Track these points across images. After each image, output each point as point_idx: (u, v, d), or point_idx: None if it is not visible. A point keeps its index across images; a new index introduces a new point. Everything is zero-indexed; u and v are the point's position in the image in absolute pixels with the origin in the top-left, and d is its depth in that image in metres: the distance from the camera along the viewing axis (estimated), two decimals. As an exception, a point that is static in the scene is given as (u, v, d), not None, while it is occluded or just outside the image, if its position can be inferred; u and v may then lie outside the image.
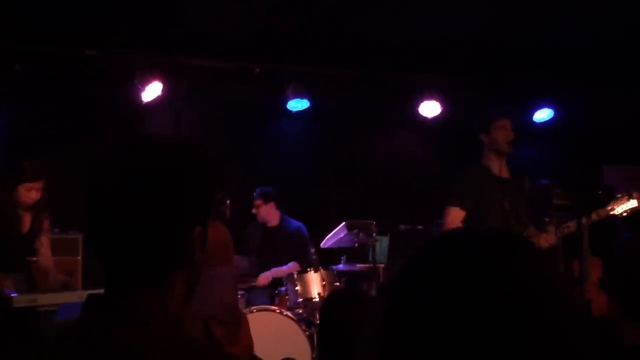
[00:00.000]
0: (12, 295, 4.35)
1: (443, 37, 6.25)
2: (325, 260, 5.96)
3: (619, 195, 4.40)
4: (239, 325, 1.54)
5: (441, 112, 7.22)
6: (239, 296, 5.01)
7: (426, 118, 7.27)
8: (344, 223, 5.69)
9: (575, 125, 7.39)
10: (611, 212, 4.39)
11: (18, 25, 5.80)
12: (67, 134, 6.28)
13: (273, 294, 5.80)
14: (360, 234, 5.65)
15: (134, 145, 1.22)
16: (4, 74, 6.03)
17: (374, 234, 5.64)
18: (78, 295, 4.42)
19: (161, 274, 1.18)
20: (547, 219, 4.37)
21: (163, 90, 6.42)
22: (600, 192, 4.62)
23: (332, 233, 5.86)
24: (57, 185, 4.96)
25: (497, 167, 4.50)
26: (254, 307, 5.19)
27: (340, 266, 5.86)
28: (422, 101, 7.21)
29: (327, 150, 7.35)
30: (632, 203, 4.37)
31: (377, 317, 0.85)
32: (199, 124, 6.98)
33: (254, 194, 6.19)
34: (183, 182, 1.18)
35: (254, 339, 1.79)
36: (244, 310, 4.77)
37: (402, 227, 6.53)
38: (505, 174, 4.53)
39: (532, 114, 7.46)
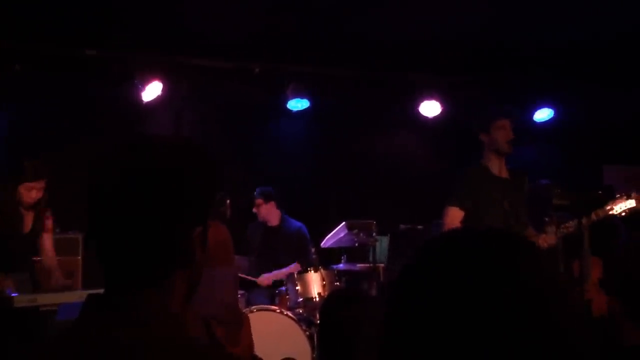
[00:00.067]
0: (13, 295, 4.36)
1: (443, 37, 6.25)
2: (325, 260, 5.96)
3: (617, 195, 4.42)
4: (240, 326, 1.54)
5: (441, 112, 7.22)
6: (239, 296, 5.01)
7: (426, 118, 7.27)
8: (344, 223, 5.69)
9: (575, 125, 7.39)
10: (610, 212, 4.40)
11: (18, 25, 5.80)
12: (67, 134, 6.28)
13: (273, 293, 5.80)
14: (361, 234, 5.65)
15: (134, 145, 1.22)
16: (4, 74, 6.03)
17: (374, 234, 5.64)
18: (78, 295, 4.42)
19: (161, 274, 1.18)
20: (547, 219, 4.37)
21: (163, 90, 6.42)
22: (600, 192, 4.62)
23: (332, 233, 5.86)
24: (57, 185, 4.96)
25: (497, 167, 4.50)
26: (254, 307, 5.19)
27: (341, 266, 5.86)
28: (422, 101, 7.22)
29: (327, 150, 7.35)
30: (631, 203, 4.39)
31: (377, 317, 0.85)
32: (199, 124, 6.98)
33: (255, 193, 6.20)
34: (183, 182, 1.18)
35: (254, 338, 1.78)
36: (244, 310, 4.77)
37: (402, 227, 6.53)
38: (504, 174, 4.52)
39: (532, 114, 7.47)
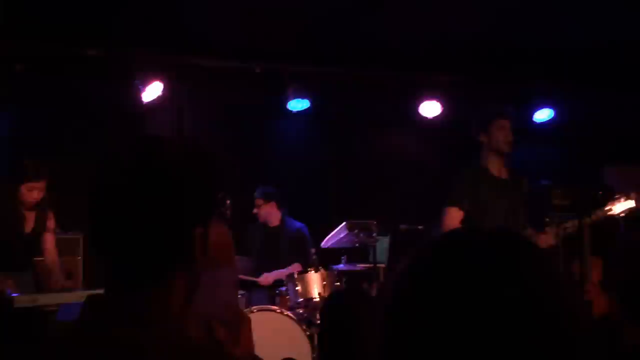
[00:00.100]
0: (13, 295, 4.36)
1: (443, 37, 6.25)
2: (325, 260, 5.95)
3: (616, 196, 4.42)
4: (241, 326, 1.54)
5: (441, 112, 7.22)
6: (239, 296, 5.01)
7: (426, 118, 7.27)
8: (344, 223, 5.69)
9: (575, 125, 7.38)
10: (609, 213, 4.42)
11: (18, 25, 5.80)
12: (68, 134, 6.28)
13: (273, 293, 5.80)
14: (361, 234, 5.65)
15: (135, 146, 1.22)
16: (4, 74, 6.03)
17: (374, 234, 5.64)
18: (78, 295, 4.43)
19: (162, 275, 1.18)
20: (547, 219, 4.38)
21: (164, 90, 6.42)
22: (600, 192, 4.62)
23: (332, 233, 5.86)
24: (57, 185, 4.96)
25: (496, 167, 4.50)
26: (254, 307, 5.19)
27: (341, 266, 5.86)
28: (422, 101, 7.21)
29: (328, 150, 7.35)
30: (630, 203, 4.40)
31: (377, 317, 0.85)
32: (199, 124, 6.98)
33: (255, 193, 6.19)
34: (184, 182, 1.18)
35: (254, 339, 1.79)
36: (244, 310, 4.77)
37: (402, 227, 6.52)
38: (504, 174, 4.52)
39: (532, 114, 7.46)
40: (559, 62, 6.72)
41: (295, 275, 5.50)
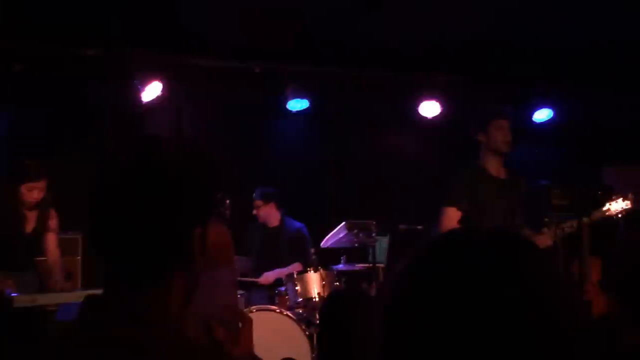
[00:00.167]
0: (13, 295, 4.36)
1: (442, 37, 6.25)
2: (325, 260, 5.95)
3: (614, 197, 4.45)
4: (242, 327, 1.54)
5: (441, 112, 7.22)
6: (238, 296, 5.01)
7: (426, 118, 7.27)
8: (343, 223, 5.69)
9: (574, 125, 7.39)
10: (607, 214, 4.44)
11: (17, 25, 5.79)
12: (67, 134, 6.28)
13: (273, 293, 5.80)
14: (360, 234, 5.64)
15: (134, 146, 1.22)
16: (3, 74, 6.03)
17: (373, 234, 5.63)
18: (78, 295, 4.42)
19: (161, 275, 1.18)
20: (546, 219, 4.38)
21: (163, 90, 6.42)
22: (600, 192, 4.63)
23: (332, 233, 5.86)
24: (56, 185, 4.96)
25: (495, 167, 4.50)
26: (253, 307, 5.19)
27: (340, 266, 5.86)
28: (421, 101, 7.22)
29: (327, 150, 7.35)
30: (627, 204, 4.44)
31: (377, 317, 0.85)
32: (198, 124, 6.97)
33: (254, 194, 6.18)
34: (183, 182, 1.18)
35: (253, 338, 1.78)
36: (244, 310, 4.76)
37: (402, 227, 6.52)
38: (502, 174, 4.52)
39: (532, 114, 7.47)
40: (557, 62, 6.72)
41: (295, 275, 5.50)
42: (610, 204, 4.44)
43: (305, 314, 5.38)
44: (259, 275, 5.99)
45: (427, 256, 0.85)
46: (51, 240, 5.01)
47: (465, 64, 6.89)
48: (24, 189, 4.75)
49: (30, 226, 4.92)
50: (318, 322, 3.94)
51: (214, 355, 1.20)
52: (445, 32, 6.15)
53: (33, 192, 4.76)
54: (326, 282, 5.43)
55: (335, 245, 5.94)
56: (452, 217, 4.34)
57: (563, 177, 5.64)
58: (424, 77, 7.23)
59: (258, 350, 1.61)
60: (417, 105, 7.23)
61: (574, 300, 0.84)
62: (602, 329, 1.91)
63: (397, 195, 7.23)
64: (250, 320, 1.56)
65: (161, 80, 6.38)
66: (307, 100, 6.93)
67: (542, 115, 7.48)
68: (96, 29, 5.95)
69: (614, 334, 1.86)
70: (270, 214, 6.18)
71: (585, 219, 4.22)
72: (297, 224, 6.19)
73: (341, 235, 5.75)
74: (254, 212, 6.18)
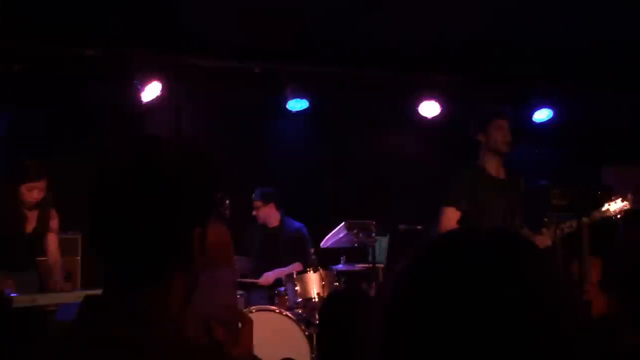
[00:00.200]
0: (13, 295, 4.35)
1: (442, 37, 6.25)
2: (324, 260, 5.95)
3: (613, 197, 4.46)
4: (242, 327, 1.54)
5: (441, 112, 7.22)
6: (238, 296, 5.01)
7: (425, 118, 7.27)
8: (343, 223, 5.69)
9: (574, 126, 7.39)
10: (606, 214, 4.44)
11: (16, 25, 5.79)
12: (66, 134, 6.28)
13: (272, 294, 5.79)
14: (360, 234, 5.64)
15: (134, 146, 1.22)
16: (2, 74, 6.03)
17: (373, 234, 5.63)
18: (78, 295, 4.42)
19: (161, 275, 1.18)
20: (546, 219, 4.38)
21: (163, 90, 6.42)
22: (599, 192, 4.63)
23: (331, 233, 5.86)
24: (55, 185, 4.96)
25: (494, 167, 4.50)
26: (253, 307, 5.19)
27: (340, 266, 5.86)
28: (422, 101, 7.22)
29: (327, 150, 7.35)
30: (625, 204, 4.45)
31: (376, 318, 0.85)
32: (197, 124, 6.98)
33: (253, 195, 6.18)
34: (183, 182, 1.18)
35: (253, 339, 1.78)
36: (244, 310, 4.76)
37: (401, 227, 6.52)
38: (501, 174, 4.52)
39: (531, 114, 7.47)
40: (557, 62, 6.72)
41: (294, 276, 5.50)
42: (609, 205, 4.46)
43: (304, 314, 5.38)
44: (259, 275, 5.99)
45: (427, 256, 0.85)
46: (52, 241, 5.01)
47: (465, 64, 6.89)
48: (24, 189, 4.75)
49: (30, 226, 4.91)
50: (318, 322, 3.93)
51: (214, 356, 1.20)
52: (445, 32, 6.15)
53: (33, 192, 4.76)
54: (326, 282, 5.43)
55: (335, 245, 5.93)
56: (451, 217, 4.34)
57: (563, 177, 5.64)
58: (424, 77, 7.23)
59: (258, 351, 1.61)
60: (417, 105, 7.23)
61: (574, 300, 0.84)
62: (602, 329, 1.91)
63: (397, 195, 7.23)
64: (250, 321, 1.56)
65: (161, 80, 6.38)
66: (306, 100, 6.93)
67: (542, 115, 7.48)
68: (96, 29, 5.95)
69: (614, 334, 1.86)
70: (270, 215, 6.18)
71: (585, 219, 4.22)
72: (297, 224, 6.19)
73: (341, 235, 5.75)
74: (254, 213, 6.18)
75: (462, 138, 4.87)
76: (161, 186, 1.16)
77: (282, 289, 5.63)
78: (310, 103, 6.95)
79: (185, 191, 1.18)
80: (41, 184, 4.78)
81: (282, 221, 6.21)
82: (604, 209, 4.44)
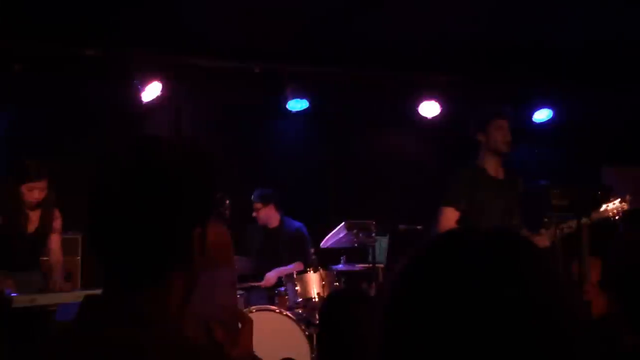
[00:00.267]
0: (13, 295, 4.35)
1: (443, 37, 6.25)
2: (324, 260, 5.95)
3: (611, 198, 4.47)
4: (242, 327, 1.54)
5: (441, 112, 7.22)
6: (238, 296, 5.01)
7: (425, 118, 7.27)
8: (343, 223, 5.68)
9: (574, 126, 7.39)
10: (605, 215, 4.45)
11: (18, 25, 5.79)
12: (66, 134, 6.28)
13: (272, 293, 5.79)
14: (360, 234, 5.64)
15: (134, 146, 1.22)
16: (2, 74, 6.03)
17: (373, 234, 5.63)
18: (77, 295, 4.41)
19: (160, 275, 1.18)
20: (546, 220, 4.38)
21: (163, 90, 6.42)
22: (599, 192, 4.64)
23: (331, 233, 5.86)
24: (56, 185, 4.95)
25: (493, 167, 4.50)
26: (253, 307, 5.19)
27: (340, 266, 5.85)
28: (421, 101, 7.22)
29: (327, 150, 7.35)
30: (623, 205, 4.46)
31: (376, 318, 0.85)
32: (198, 124, 6.98)
33: (252, 196, 6.17)
34: (183, 182, 1.18)
35: (253, 339, 1.78)
36: (244, 311, 4.76)
37: (401, 227, 6.52)
38: (500, 174, 4.52)
39: (531, 114, 7.47)
40: (557, 62, 6.72)
41: (294, 275, 5.50)
42: (607, 205, 4.46)
43: (305, 314, 5.38)
44: (259, 276, 5.99)
45: (426, 256, 0.85)
46: (55, 241, 5.00)
47: (465, 64, 6.89)
48: (24, 189, 4.74)
49: (32, 226, 4.91)
50: (318, 322, 3.93)
51: (214, 356, 1.20)
52: (445, 32, 6.15)
53: (33, 192, 4.75)
54: (326, 282, 5.43)
55: (335, 245, 5.93)
56: (450, 217, 4.34)
57: (562, 177, 5.65)
58: (423, 77, 7.23)
59: (257, 351, 1.61)
60: (417, 105, 7.23)
61: (573, 301, 0.84)
62: (602, 329, 1.91)
63: (396, 195, 7.23)
64: (250, 321, 1.56)
65: (161, 80, 6.38)
66: (306, 101, 6.93)
67: (541, 115, 7.49)
68: (96, 29, 5.95)
69: (613, 334, 1.86)
70: (270, 216, 6.18)
71: (584, 219, 4.22)
72: (297, 224, 6.19)
73: (341, 235, 5.75)
74: (254, 214, 6.18)
75: (462, 138, 4.87)
76: (161, 186, 1.16)
77: (282, 289, 5.63)
78: (310, 103, 6.95)
79: (185, 191, 1.18)
80: (41, 184, 4.77)
81: (281, 221, 6.21)
82: (602, 209, 4.45)
